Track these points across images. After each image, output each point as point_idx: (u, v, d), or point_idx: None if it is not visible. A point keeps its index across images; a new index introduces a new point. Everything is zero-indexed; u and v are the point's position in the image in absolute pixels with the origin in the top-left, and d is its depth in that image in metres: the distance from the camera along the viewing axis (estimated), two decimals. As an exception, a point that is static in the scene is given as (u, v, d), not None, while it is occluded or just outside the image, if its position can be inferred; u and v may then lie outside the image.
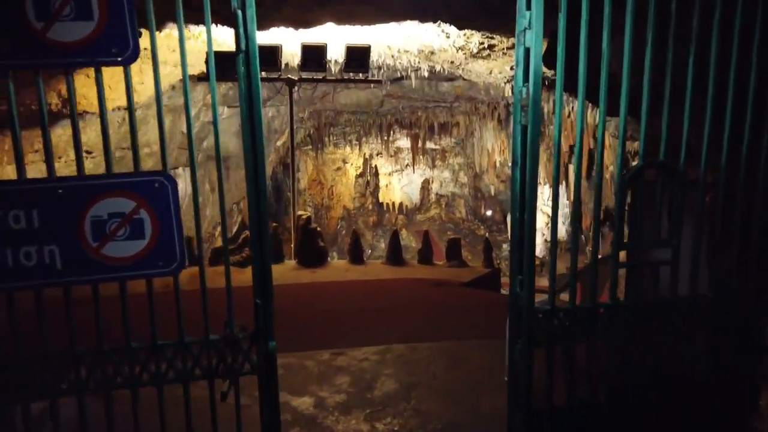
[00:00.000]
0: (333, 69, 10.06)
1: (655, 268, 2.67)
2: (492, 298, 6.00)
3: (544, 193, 22.18)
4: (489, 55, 9.71)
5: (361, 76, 7.30)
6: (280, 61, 6.94)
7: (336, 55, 8.19)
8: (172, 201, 2.25)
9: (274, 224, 7.03)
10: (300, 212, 6.97)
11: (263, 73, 7.16)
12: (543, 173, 20.96)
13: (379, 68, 12.82)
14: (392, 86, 17.24)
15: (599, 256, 2.82)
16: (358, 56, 7.07)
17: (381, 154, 27.76)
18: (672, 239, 2.60)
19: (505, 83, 11.65)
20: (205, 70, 7.13)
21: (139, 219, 2.20)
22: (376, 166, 25.68)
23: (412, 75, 14.25)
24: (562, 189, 20.79)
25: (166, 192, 2.23)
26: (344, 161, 29.37)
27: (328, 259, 7.24)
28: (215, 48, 6.47)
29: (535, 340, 2.56)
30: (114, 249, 2.19)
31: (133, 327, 2.33)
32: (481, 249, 19.09)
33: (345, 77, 7.31)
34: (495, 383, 4.02)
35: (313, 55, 6.98)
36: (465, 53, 9.44)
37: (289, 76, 7.21)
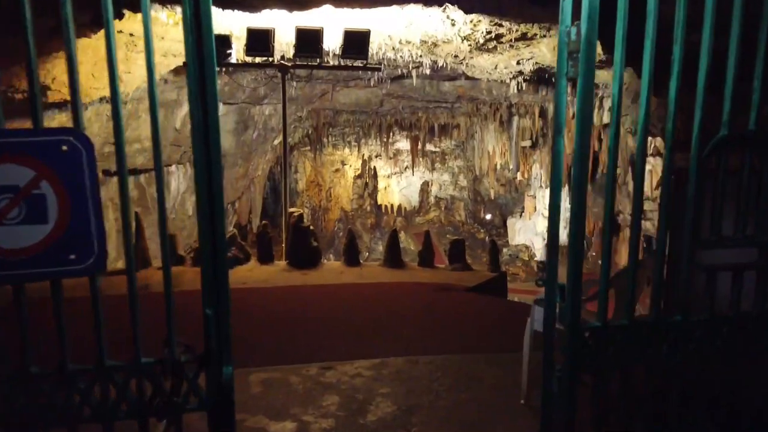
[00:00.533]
0: (332, 63, 9.44)
1: (739, 273, 2.01)
2: (500, 305, 5.34)
3: (545, 196, 21.57)
4: (495, 47, 9.09)
5: (359, 63, 6.66)
6: (272, 45, 6.30)
7: (334, 45, 7.55)
8: (88, 171, 1.59)
9: (264, 222, 6.38)
10: (292, 209, 6.32)
11: (256, 58, 6.54)
12: (545, 176, 20.40)
13: (380, 63, 12.19)
14: (392, 85, 16.61)
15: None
16: (356, 41, 6.43)
17: (380, 155, 27.14)
18: (763, 236, 1.95)
19: (510, 79, 11.02)
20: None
21: (39, 195, 1.54)
22: (375, 167, 25.04)
23: (413, 72, 13.64)
24: (564, 193, 20.16)
25: (78, 158, 1.57)
26: (343, 163, 28.74)
27: (322, 260, 6.58)
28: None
29: (580, 365, 1.91)
30: (5, 237, 1.53)
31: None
32: (486, 252, 18.46)
33: (342, 64, 6.66)
34: (509, 406, 3.37)
35: (308, 40, 6.34)
36: (470, 44, 8.82)
37: (282, 62, 6.54)
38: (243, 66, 6.92)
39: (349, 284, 5.80)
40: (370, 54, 10.04)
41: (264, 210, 31.71)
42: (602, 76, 10.37)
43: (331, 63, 8.15)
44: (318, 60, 6.40)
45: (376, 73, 14.34)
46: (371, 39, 8.70)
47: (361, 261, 6.64)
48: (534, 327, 3.37)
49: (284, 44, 7.58)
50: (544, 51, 9.02)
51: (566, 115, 1.97)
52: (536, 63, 9.86)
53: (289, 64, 6.52)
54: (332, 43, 6.84)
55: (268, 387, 3.65)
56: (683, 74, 2.02)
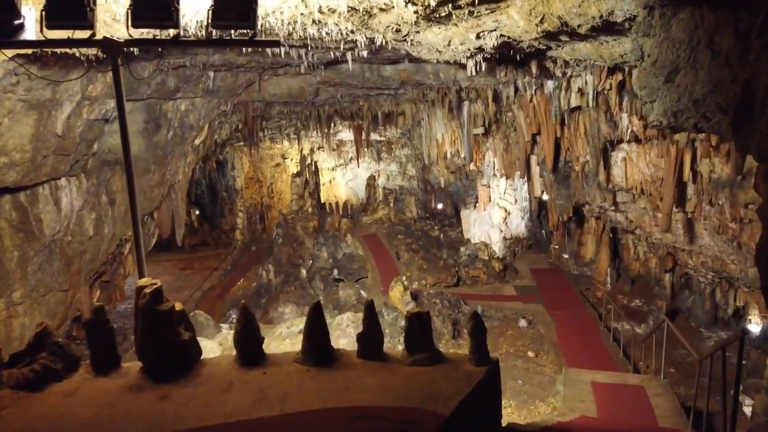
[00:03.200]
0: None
1: None
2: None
3: (500, 185, 19.34)
4: (450, 15, 6.52)
5: (243, 34, 3.95)
6: (93, 11, 3.53)
7: (199, 10, 4.73)
8: None
9: (97, 304, 3.61)
10: (142, 281, 3.60)
11: (64, 32, 3.73)
12: (499, 164, 18.09)
13: (304, 45, 9.41)
14: (327, 72, 13.92)
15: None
16: (235, 2, 3.68)
17: (322, 147, 24.33)
18: None
19: (467, 58, 8.43)
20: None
21: None
22: (315, 162, 22.21)
23: (348, 55, 10.95)
24: (522, 182, 18.01)
25: None
26: (283, 156, 25.78)
27: (201, 359, 3.90)
28: None
29: None
30: None
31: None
32: (442, 251, 15.91)
33: (214, 37, 3.96)
34: None
35: (154, 0, 3.55)
36: (417, 10, 6.19)
37: (107, 36, 3.76)
38: (43, 45, 4.01)
39: (234, 425, 3.14)
40: (287, 32, 7.27)
41: (202, 214, 28.39)
42: (581, 49, 7.90)
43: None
44: (173, 32, 3.67)
45: (306, 59, 11.57)
46: (279, 8, 5.96)
47: (265, 355, 3.97)
48: None
49: (119, 11, 4.70)
50: (514, 18, 6.47)
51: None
52: (501, 36, 7.30)
53: (121, 41, 3.74)
54: (197, 5, 4.08)
55: None
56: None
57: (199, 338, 8.58)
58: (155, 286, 3.73)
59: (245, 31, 4.06)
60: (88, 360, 3.85)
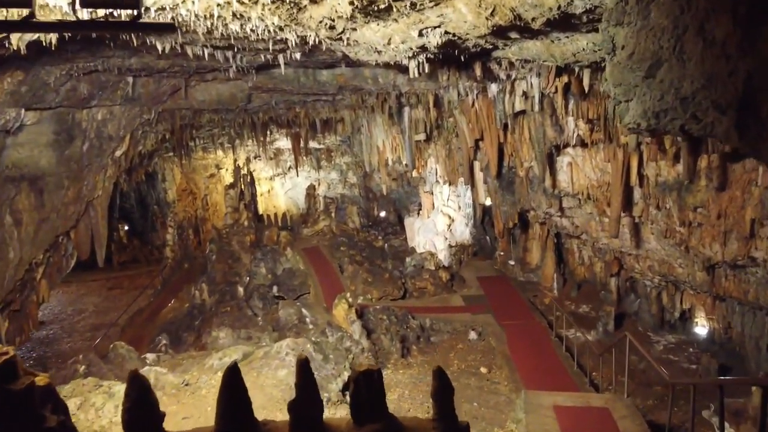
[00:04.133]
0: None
1: None
2: None
3: (443, 192, 18.78)
4: (390, 8, 5.74)
5: (120, 15, 2.97)
6: None
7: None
8: None
9: None
10: (-12, 351, 2.55)
11: None
12: (442, 171, 17.53)
13: (229, 46, 8.43)
14: (259, 77, 12.95)
15: None
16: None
17: (259, 156, 23.08)
18: None
19: (409, 59, 7.66)
20: None
21: None
22: (252, 172, 20.94)
23: (280, 57, 10.05)
24: (465, 188, 17.50)
25: None
26: (218, 166, 24.33)
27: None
28: None
29: None
30: None
31: None
32: (387, 262, 14.86)
33: (80, 18, 2.99)
34: None
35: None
36: (353, 2, 5.36)
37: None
38: None
39: None
40: (205, 28, 6.29)
41: (131, 229, 26.47)
42: (530, 48, 7.28)
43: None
44: (25, 12, 2.67)
45: (235, 62, 10.52)
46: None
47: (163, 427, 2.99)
48: None
49: None
50: (462, 11, 5.75)
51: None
52: (446, 33, 6.57)
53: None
54: None
55: None
56: None
57: (111, 382, 7.31)
58: (6, 357, 2.69)
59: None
60: None
